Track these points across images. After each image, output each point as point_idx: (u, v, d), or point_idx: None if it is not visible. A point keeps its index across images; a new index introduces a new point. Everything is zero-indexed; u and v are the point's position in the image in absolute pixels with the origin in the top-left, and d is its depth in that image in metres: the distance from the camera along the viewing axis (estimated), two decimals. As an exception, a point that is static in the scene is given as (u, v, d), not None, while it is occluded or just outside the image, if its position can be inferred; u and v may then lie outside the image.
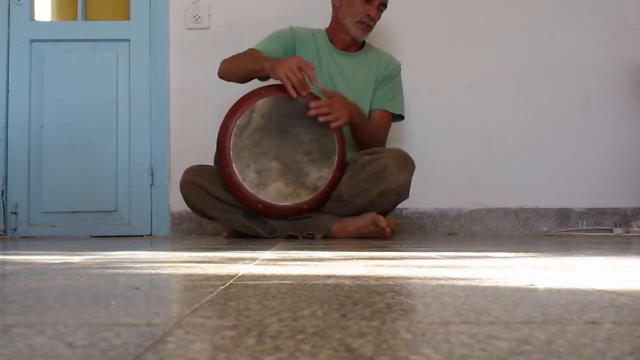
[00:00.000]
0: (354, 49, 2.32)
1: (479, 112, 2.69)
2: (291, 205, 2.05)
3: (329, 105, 2.02)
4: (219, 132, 2.08)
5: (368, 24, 2.22)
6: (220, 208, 2.12)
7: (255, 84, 2.22)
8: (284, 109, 2.07)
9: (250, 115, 2.07)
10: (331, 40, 2.31)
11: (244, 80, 2.18)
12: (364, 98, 2.26)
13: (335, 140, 2.08)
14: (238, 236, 2.20)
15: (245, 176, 2.05)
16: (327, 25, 2.34)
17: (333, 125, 2.02)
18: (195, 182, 2.12)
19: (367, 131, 2.19)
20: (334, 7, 2.29)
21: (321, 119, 2.01)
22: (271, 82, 2.21)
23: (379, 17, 2.24)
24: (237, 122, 2.05)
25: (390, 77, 2.33)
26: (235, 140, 2.05)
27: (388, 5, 2.27)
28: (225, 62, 2.20)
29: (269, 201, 2.04)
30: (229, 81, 2.21)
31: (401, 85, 2.36)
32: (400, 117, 2.35)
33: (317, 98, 2.06)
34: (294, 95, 1.99)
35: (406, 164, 2.05)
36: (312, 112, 2.01)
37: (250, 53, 2.18)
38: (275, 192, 2.05)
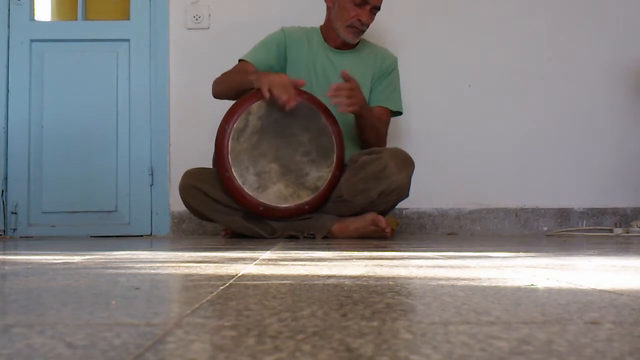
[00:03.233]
0: (349, 47, 2.31)
1: (479, 112, 2.69)
2: (292, 206, 2.05)
3: (350, 89, 2.00)
4: (217, 136, 2.07)
5: (359, 29, 2.20)
6: (220, 210, 2.11)
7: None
8: (280, 110, 2.06)
9: (247, 118, 2.06)
10: (325, 39, 2.30)
11: (237, 96, 2.15)
12: (361, 96, 2.25)
13: (333, 138, 2.08)
14: (237, 235, 2.20)
15: (245, 179, 2.04)
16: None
17: (344, 109, 2.00)
18: (194, 185, 2.12)
19: (373, 127, 2.17)
20: (327, 7, 2.28)
21: (334, 101, 1.99)
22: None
23: (371, 20, 2.21)
24: (235, 126, 2.04)
25: (387, 72, 2.31)
26: (233, 144, 2.04)
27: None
28: (216, 82, 2.21)
29: (270, 203, 2.04)
30: (223, 99, 2.21)
31: (398, 80, 2.34)
32: (399, 113, 2.34)
33: (314, 97, 2.05)
34: (286, 102, 1.95)
35: (406, 164, 2.04)
36: (330, 93, 1.99)
37: (239, 68, 2.17)
38: (275, 194, 2.05)
